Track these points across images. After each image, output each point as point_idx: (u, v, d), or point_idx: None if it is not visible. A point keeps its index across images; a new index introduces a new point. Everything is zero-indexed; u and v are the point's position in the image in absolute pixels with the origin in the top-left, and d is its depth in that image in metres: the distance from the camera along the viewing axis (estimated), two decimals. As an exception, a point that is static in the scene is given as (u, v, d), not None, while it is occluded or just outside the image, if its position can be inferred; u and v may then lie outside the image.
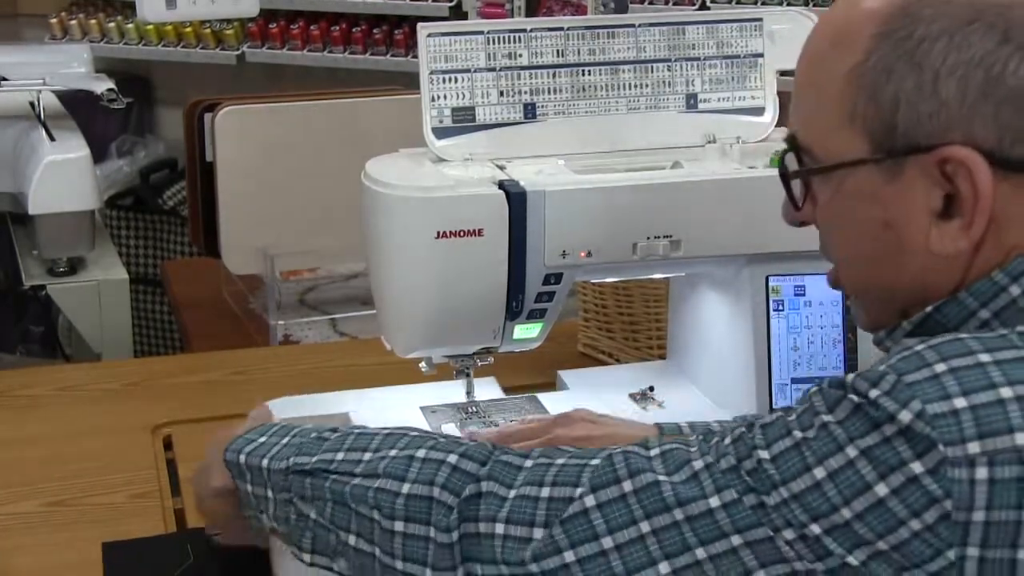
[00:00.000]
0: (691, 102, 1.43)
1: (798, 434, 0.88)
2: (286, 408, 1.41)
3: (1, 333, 3.00)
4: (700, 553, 0.89)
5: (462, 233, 1.28)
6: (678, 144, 1.42)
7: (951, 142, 0.88)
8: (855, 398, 0.85)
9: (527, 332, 1.36)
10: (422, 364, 1.42)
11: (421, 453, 1.02)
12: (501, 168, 1.35)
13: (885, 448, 0.83)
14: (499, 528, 0.96)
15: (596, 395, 1.51)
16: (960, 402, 0.82)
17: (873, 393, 0.84)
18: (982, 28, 0.87)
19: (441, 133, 1.36)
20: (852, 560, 0.85)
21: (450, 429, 1.42)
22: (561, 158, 1.38)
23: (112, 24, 4.12)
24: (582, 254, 1.32)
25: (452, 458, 1.01)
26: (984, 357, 0.84)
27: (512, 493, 0.97)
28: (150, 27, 4.02)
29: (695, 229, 1.35)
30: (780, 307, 1.41)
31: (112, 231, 3.64)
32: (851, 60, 0.92)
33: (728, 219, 1.35)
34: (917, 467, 0.82)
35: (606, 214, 1.31)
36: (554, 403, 1.49)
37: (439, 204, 1.27)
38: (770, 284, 1.40)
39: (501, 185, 1.29)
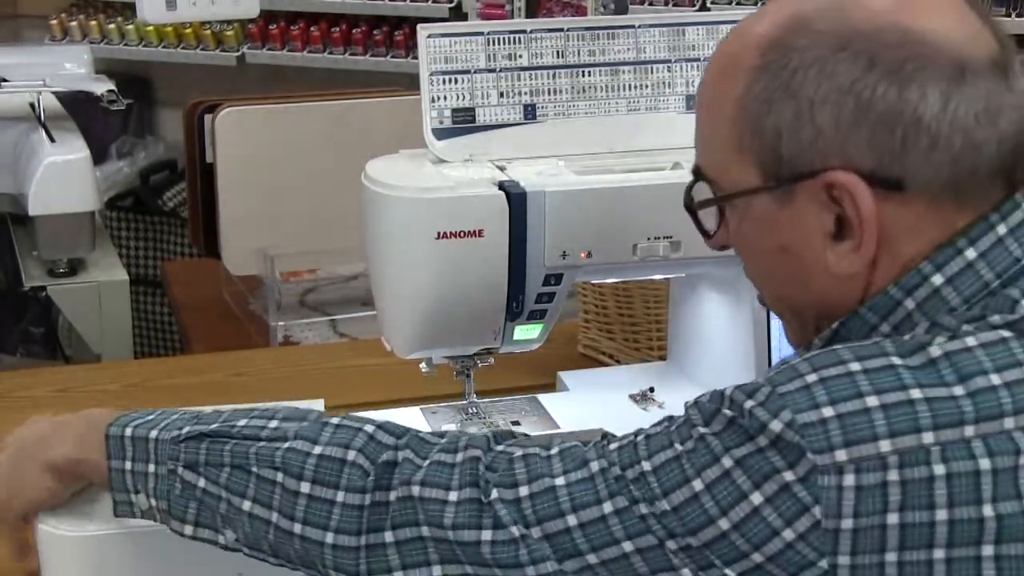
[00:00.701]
0: (691, 103, 1.43)
1: (678, 447, 0.90)
2: None
3: (1, 334, 3.00)
4: (592, 558, 0.92)
5: (462, 234, 1.28)
6: (678, 145, 1.42)
7: (832, 167, 0.90)
8: (728, 412, 0.89)
9: (527, 333, 1.36)
10: (422, 365, 1.42)
11: (335, 420, 1.03)
12: (501, 169, 1.35)
13: (759, 457, 0.86)
14: (415, 490, 0.97)
15: (596, 396, 1.52)
16: (828, 411, 0.85)
17: (748, 404, 0.87)
18: (850, 56, 0.90)
19: (441, 134, 1.36)
20: (730, 573, 0.87)
21: (450, 430, 1.41)
22: (561, 159, 1.38)
23: (112, 25, 4.12)
24: (582, 255, 1.32)
25: (369, 428, 1.02)
26: (854, 366, 0.86)
27: (427, 461, 0.99)
28: (150, 28, 4.02)
29: (695, 230, 1.34)
30: (780, 308, 1.40)
31: (112, 232, 3.64)
32: (735, 92, 0.95)
33: (728, 220, 1.35)
34: (789, 475, 0.85)
35: (606, 215, 1.31)
36: (555, 404, 1.49)
37: (439, 205, 1.27)
38: (770, 285, 1.40)
39: (501, 186, 1.29)
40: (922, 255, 0.92)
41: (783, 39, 0.92)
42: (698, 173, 1.02)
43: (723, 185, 0.99)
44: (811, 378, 0.87)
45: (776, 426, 0.85)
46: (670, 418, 0.95)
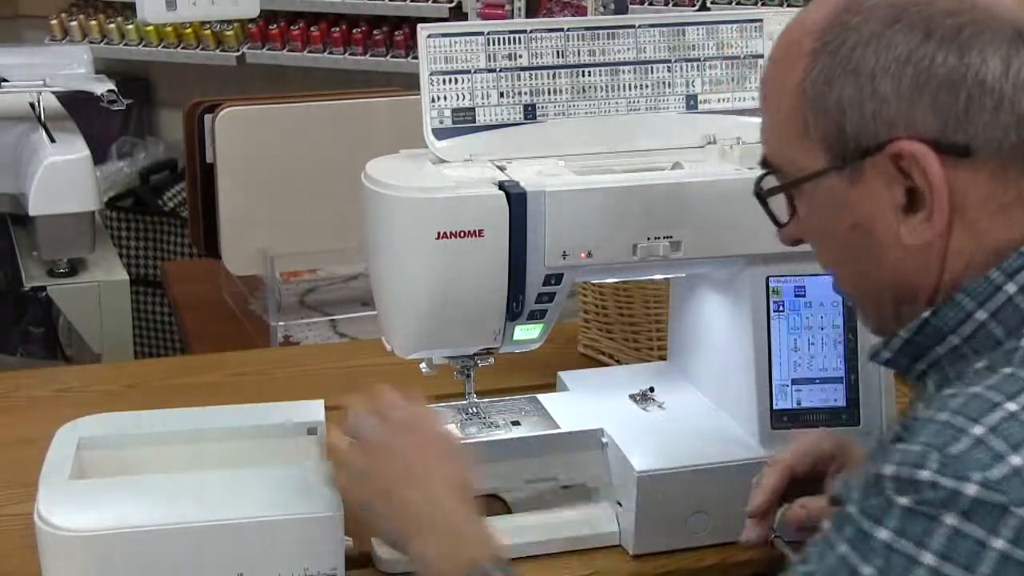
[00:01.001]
0: (691, 103, 1.43)
1: (866, 571, 0.83)
2: (93, 426, 1.40)
3: (1, 334, 3.00)
4: None
5: (462, 234, 1.28)
6: (678, 145, 1.42)
7: (898, 137, 0.91)
8: (902, 499, 0.82)
9: (527, 333, 1.36)
10: (422, 365, 1.42)
11: None
12: (501, 169, 1.34)
13: (959, 539, 0.80)
14: None
15: (596, 396, 1.51)
16: (1016, 459, 0.80)
17: (925, 475, 0.81)
18: (905, 28, 0.91)
19: (441, 134, 1.36)
20: None
21: (450, 430, 1.42)
22: (561, 159, 1.38)
23: (112, 25, 4.12)
24: (582, 255, 1.32)
25: None
26: (1011, 406, 0.83)
27: None
28: (150, 28, 4.02)
29: (695, 230, 1.35)
30: (780, 308, 1.41)
31: (112, 232, 3.64)
32: (795, 78, 0.96)
33: (728, 220, 1.35)
34: (999, 543, 0.79)
35: (606, 215, 1.31)
36: (555, 404, 1.49)
37: (439, 205, 1.27)
38: (770, 285, 1.40)
39: (501, 186, 1.29)
40: (998, 227, 0.91)
41: (837, 19, 0.94)
42: (766, 163, 1.03)
43: (791, 172, 1.00)
44: (978, 431, 0.82)
45: (971, 489, 0.79)
46: (824, 540, 0.87)
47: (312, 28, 3.90)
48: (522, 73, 1.38)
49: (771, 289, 1.40)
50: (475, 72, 1.36)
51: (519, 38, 1.37)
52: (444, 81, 1.36)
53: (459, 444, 1.22)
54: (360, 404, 1.21)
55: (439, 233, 1.27)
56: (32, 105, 2.55)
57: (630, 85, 1.41)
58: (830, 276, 1.06)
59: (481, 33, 1.36)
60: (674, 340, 1.60)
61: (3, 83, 2.51)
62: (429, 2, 3.71)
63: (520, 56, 1.37)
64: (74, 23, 4.17)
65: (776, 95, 0.99)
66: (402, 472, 1.16)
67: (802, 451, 1.27)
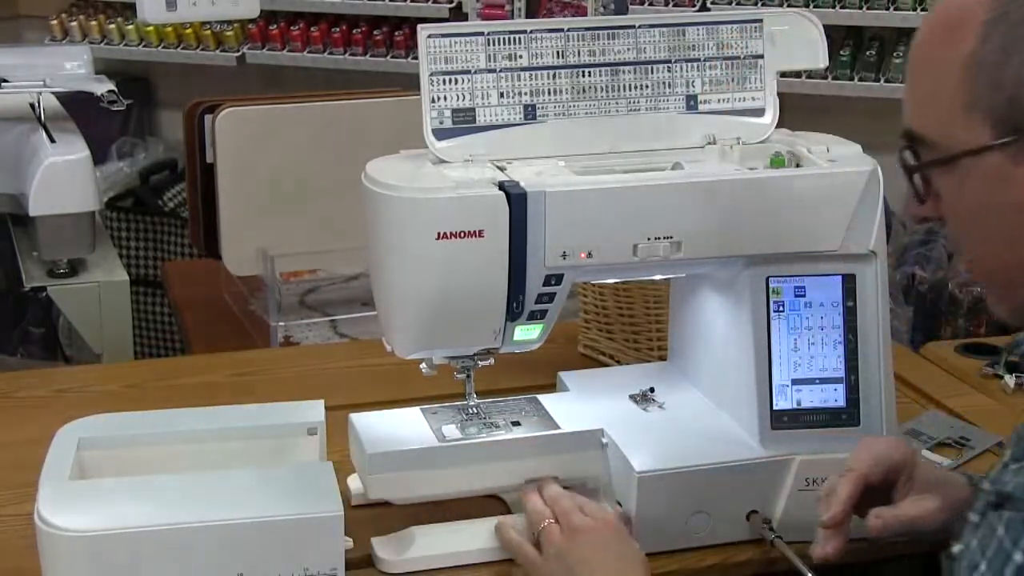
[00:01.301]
0: (691, 103, 1.43)
1: None
2: (93, 426, 1.41)
3: (1, 335, 3.00)
4: None
5: (462, 234, 1.28)
6: (678, 145, 1.42)
7: None
8: None
9: (527, 333, 1.36)
10: (423, 365, 1.42)
11: None
12: (501, 169, 1.35)
13: None
14: None
15: (596, 396, 1.52)
16: None
17: None
18: None
19: (441, 134, 1.36)
20: None
21: (450, 431, 1.42)
22: (561, 159, 1.38)
23: (112, 25, 4.12)
24: (582, 255, 1.32)
25: None
26: None
27: None
28: (150, 28, 4.02)
29: (695, 230, 1.35)
30: (780, 308, 1.41)
31: (112, 232, 3.64)
32: (965, 48, 0.91)
33: (728, 220, 1.35)
34: None
35: (606, 215, 1.31)
36: (555, 404, 1.49)
37: (440, 205, 1.27)
38: (770, 285, 1.40)
39: (501, 186, 1.29)
40: None
41: None
42: (911, 137, 0.99)
43: (941, 147, 0.95)
44: None
45: None
46: (997, 546, 0.84)
47: (312, 28, 3.91)
48: (522, 73, 1.38)
49: (771, 289, 1.40)
50: (475, 72, 1.36)
51: (519, 38, 1.37)
52: (444, 81, 1.36)
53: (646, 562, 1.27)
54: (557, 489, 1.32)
55: (439, 233, 1.27)
56: (32, 105, 2.55)
57: (630, 85, 1.41)
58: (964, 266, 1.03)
59: (481, 33, 1.36)
60: (674, 340, 1.60)
61: (3, 83, 2.51)
62: (429, 2, 3.72)
63: (520, 56, 1.37)
64: (74, 23, 4.17)
65: (935, 66, 0.94)
66: (596, 562, 1.22)
67: (872, 460, 1.24)
